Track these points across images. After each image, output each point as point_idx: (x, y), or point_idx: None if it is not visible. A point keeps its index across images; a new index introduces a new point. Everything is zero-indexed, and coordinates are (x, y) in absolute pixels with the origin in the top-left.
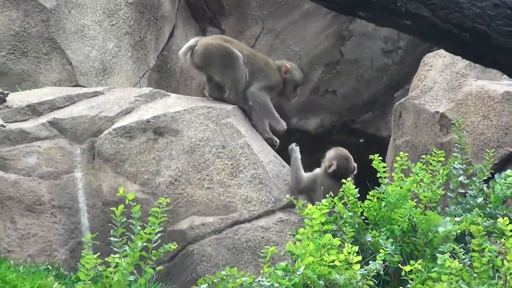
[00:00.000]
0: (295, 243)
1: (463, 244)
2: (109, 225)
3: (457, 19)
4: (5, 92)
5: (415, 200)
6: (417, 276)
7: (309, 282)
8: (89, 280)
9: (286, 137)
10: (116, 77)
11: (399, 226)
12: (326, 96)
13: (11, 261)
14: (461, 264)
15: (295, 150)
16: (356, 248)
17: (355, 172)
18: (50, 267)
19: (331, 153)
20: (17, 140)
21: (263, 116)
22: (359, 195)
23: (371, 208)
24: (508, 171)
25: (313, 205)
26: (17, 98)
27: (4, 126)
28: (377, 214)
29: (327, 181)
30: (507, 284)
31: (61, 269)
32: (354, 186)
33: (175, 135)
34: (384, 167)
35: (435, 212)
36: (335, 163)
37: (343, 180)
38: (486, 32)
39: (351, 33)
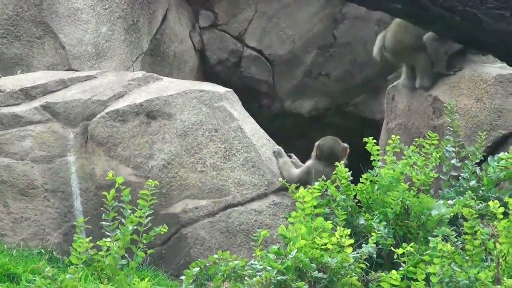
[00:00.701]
0: (287, 226)
1: (455, 227)
2: (101, 209)
3: (448, 2)
4: None
5: (408, 183)
6: (409, 259)
7: (301, 265)
8: (81, 264)
9: (280, 120)
10: (109, 61)
11: (392, 209)
12: (319, 79)
13: (4, 245)
14: (454, 247)
15: (281, 152)
16: (348, 231)
17: (348, 152)
18: (43, 251)
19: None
20: (10, 124)
21: None
22: (352, 178)
23: (364, 191)
24: (501, 154)
25: None
26: (10, 82)
27: None
28: (370, 197)
29: (319, 167)
30: (499, 267)
31: (54, 253)
32: (347, 169)
33: (168, 119)
34: (378, 150)
35: (428, 195)
36: (316, 144)
37: (336, 163)
38: (477, 15)
39: (344, 16)
